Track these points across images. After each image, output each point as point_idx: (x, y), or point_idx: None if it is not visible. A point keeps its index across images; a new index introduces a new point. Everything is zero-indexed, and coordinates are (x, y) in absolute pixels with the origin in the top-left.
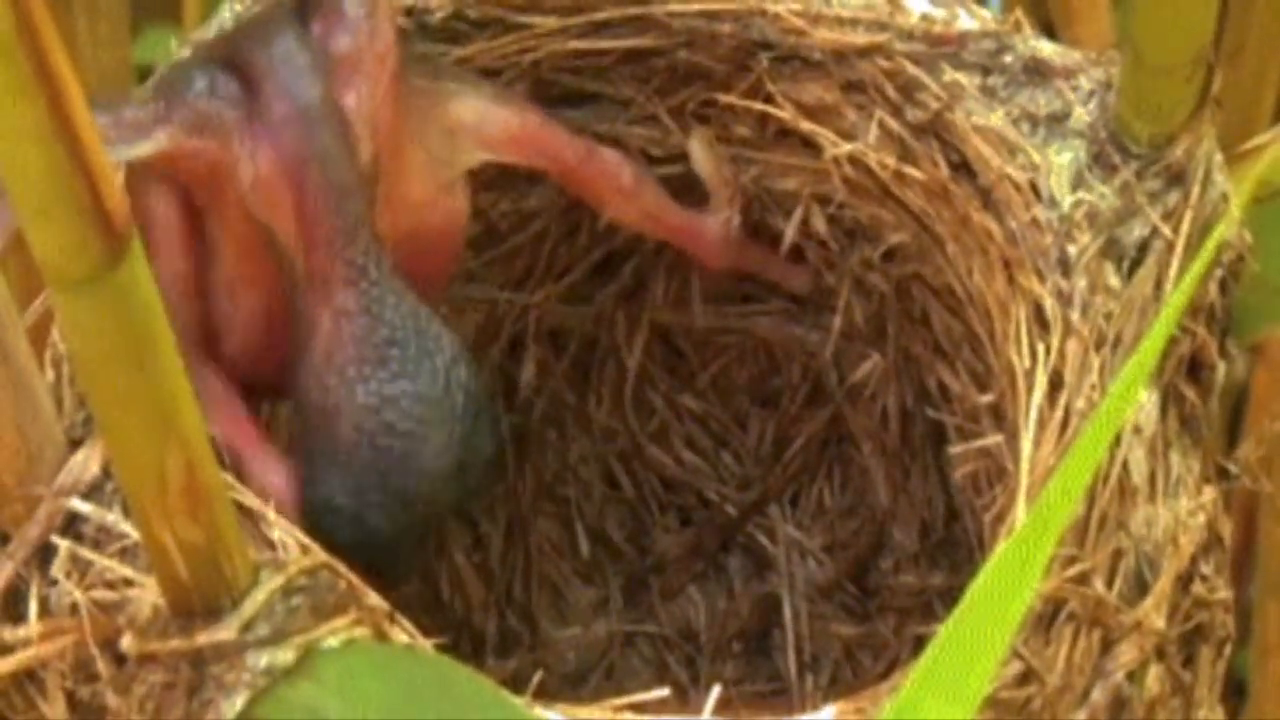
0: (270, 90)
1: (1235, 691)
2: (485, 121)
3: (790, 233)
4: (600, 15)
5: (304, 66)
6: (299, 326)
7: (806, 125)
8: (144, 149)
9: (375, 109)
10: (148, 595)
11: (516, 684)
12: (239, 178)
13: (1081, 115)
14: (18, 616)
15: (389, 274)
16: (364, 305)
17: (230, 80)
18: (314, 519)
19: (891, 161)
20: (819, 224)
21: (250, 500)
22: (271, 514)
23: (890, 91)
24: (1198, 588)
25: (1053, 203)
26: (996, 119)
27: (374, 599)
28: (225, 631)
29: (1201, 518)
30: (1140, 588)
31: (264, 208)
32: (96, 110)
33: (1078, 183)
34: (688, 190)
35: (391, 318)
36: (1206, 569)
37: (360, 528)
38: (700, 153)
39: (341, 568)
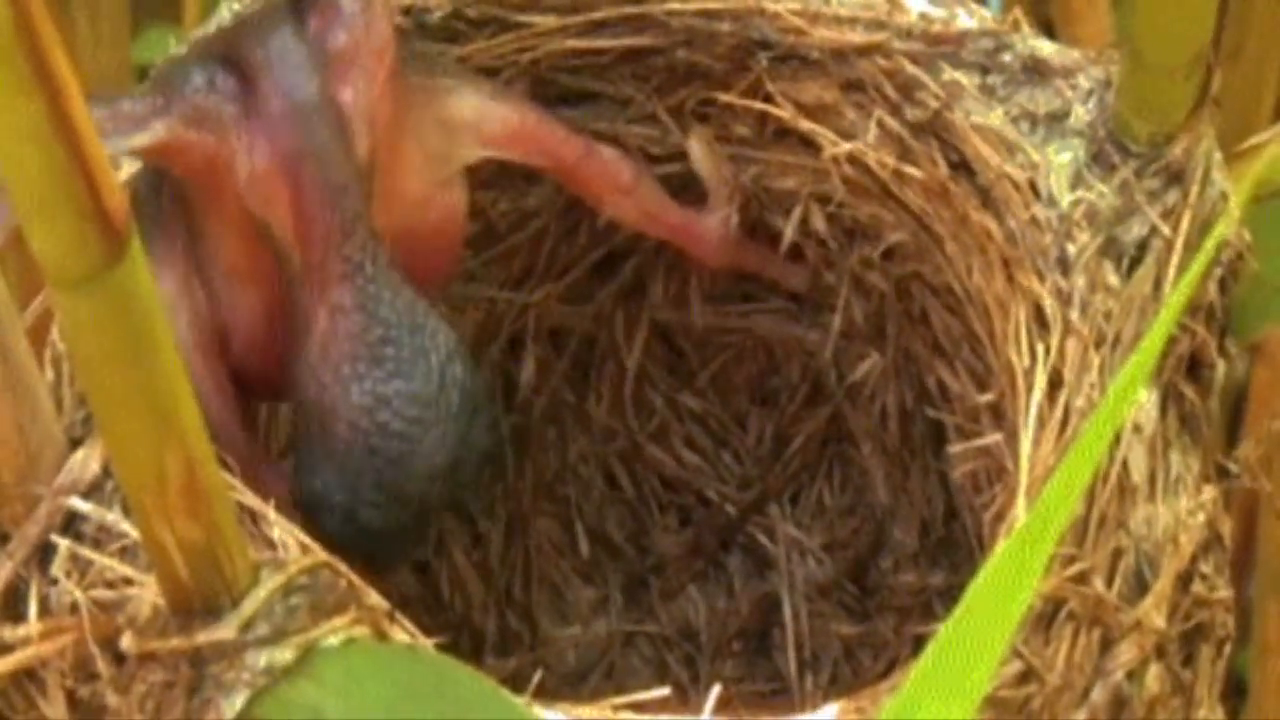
0: (266, 86)
1: (1235, 691)
2: (484, 118)
3: (789, 232)
4: (599, 14)
5: (300, 62)
6: (295, 322)
7: (806, 124)
8: (140, 141)
9: (372, 104)
10: (147, 594)
11: (516, 683)
12: (236, 172)
13: (1080, 114)
14: (17, 615)
15: (386, 270)
16: (359, 302)
17: (228, 76)
18: (308, 512)
19: (891, 160)
20: (818, 223)
21: (250, 499)
22: (272, 513)
23: (889, 90)
24: (1198, 587)
25: (1052, 202)
26: (995, 118)
27: (374, 598)
28: (225, 631)
29: (1201, 517)
30: (1140, 587)
31: (261, 203)
32: (93, 104)
33: (1077, 182)
34: (687, 189)
35: (387, 315)
36: (1206, 568)
37: (354, 523)
38: (699, 151)
39: (342, 567)
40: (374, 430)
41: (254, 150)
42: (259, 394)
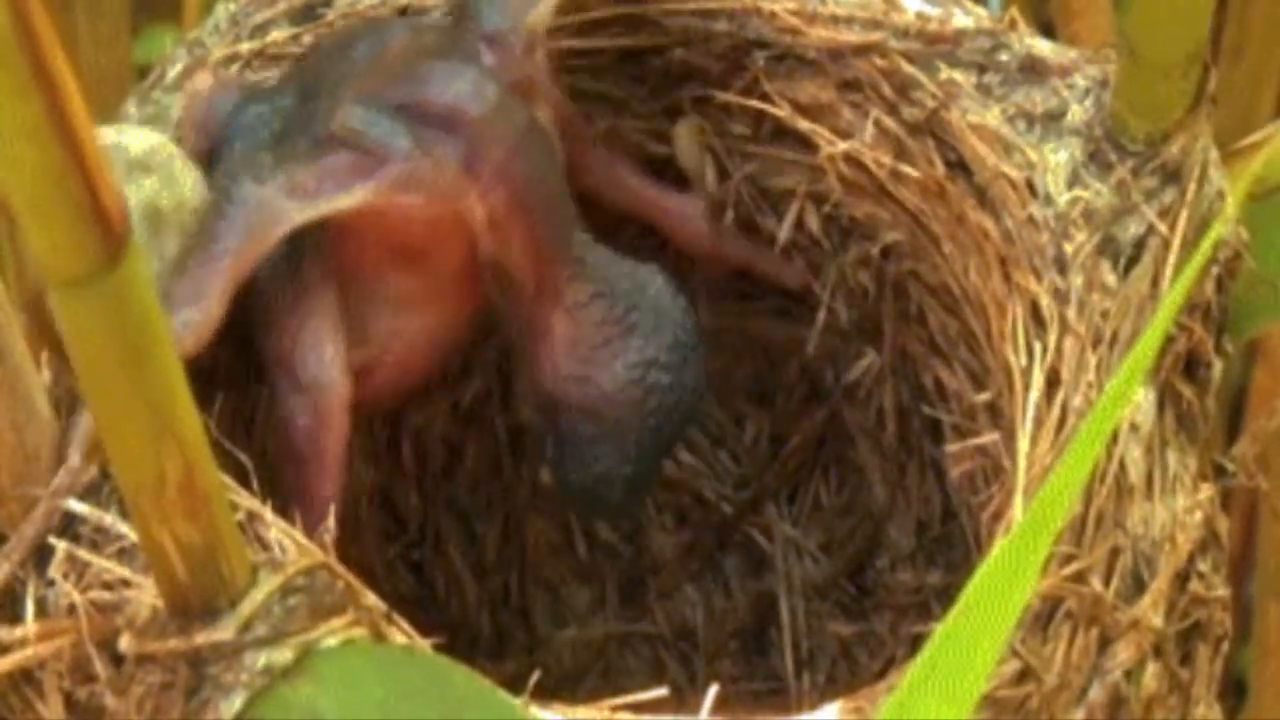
0: (484, 134)
1: (1235, 691)
2: None
3: (784, 230)
4: (596, 14)
5: (504, 103)
6: (516, 343)
7: (803, 124)
8: (343, 203)
9: (556, 111)
10: (145, 596)
11: (513, 684)
12: (469, 223)
13: (1077, 113)
14: (14, 617)
15: (595, 248)
16: (595, 291)
17: (431, 131)
18: (588, 504)
19: (887, 160)
20: (813, 222)
21: (248, 501)
22: (269, 514)
23: (886, 90)
24: (1195, 585)
25: (1049, 201)
26: (992, 117)
27: (371, 599)
28: (223, 632)
29: (1199, 515)
30: (1137, 586)
31: (496, 241)
32: (295, 166)
33: (1074, 180)
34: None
35: (620, 287)
36: (1204, 566)
37: (636, 487)
38: (684, 140)
39: (339, 567)
40: (647, 393)
41: (489, 199)
42: (389, 408)
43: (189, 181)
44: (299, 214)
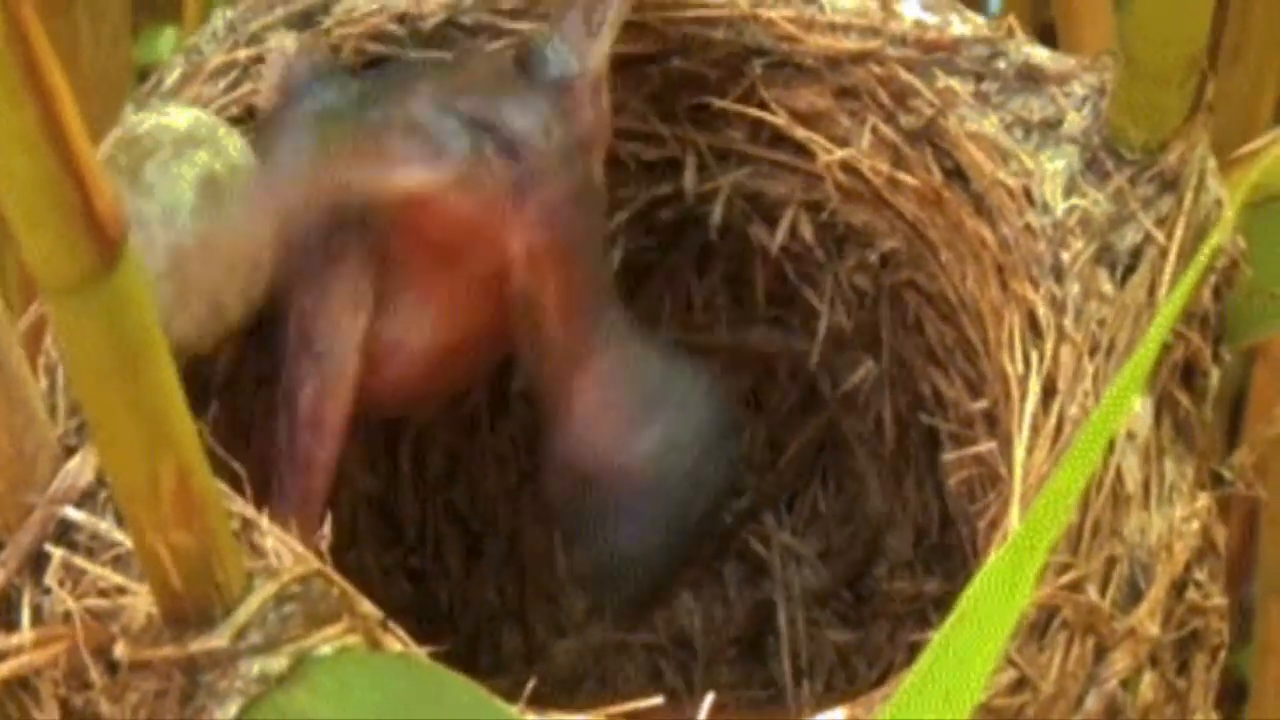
0: (543, 168)
1: (1236, 692)
2: None
3: (779, 237)
4: None
5: (570, 147)
6: (544, 401)
7: (800, 131)
8: (403, 182)
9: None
10: (140, 603)
11: (510, 692)
12: (506, 248)
13: (1075, 121)
14: (10, 624)
15: (630, 331)
16: (623, 362)
17: (496, 150)
18: (608, 583)
19: (885, 168)
20: (809, 230)
21: (243, 508)
22: (264, 522)
23: (883, 97)
24: (1192, 594)
25: (1046, 209)
26: (990, 125)
27: (367, 607)
28: (218, 639)
29: (1195, 524)
30: (1134, 595)
31: (530, 280)
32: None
33: (1071, 189)
34: (677, 202)
35: (650, 368)
36: (1200, 575)
37: (663, 570)
38: None
39: (335, 575)
40: (669, 473)
41: (533, 232)
42: (391, 410)
43: (236, 147)
44: (369, 180)
